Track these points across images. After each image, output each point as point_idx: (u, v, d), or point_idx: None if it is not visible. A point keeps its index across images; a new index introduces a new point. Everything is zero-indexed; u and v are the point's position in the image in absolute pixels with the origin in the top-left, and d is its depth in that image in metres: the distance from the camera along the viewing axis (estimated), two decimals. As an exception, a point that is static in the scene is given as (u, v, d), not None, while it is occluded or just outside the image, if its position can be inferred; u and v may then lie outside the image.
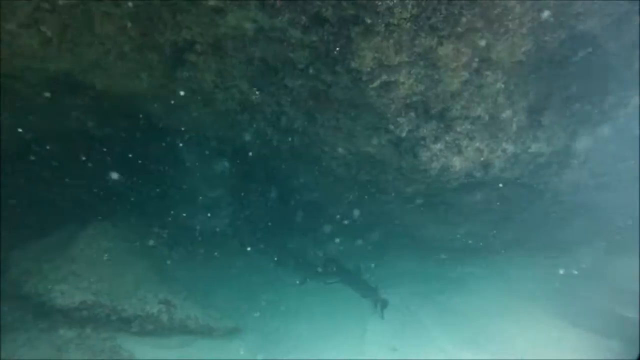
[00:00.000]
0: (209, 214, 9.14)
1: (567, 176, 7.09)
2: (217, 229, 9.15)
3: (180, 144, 8.12)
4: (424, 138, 5.40)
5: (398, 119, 5.21)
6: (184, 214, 8.96)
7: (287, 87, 5.33)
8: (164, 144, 8.14)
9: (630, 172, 8.23)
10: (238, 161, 8.39)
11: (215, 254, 8.86)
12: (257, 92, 5.69)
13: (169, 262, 8.02)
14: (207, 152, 8.41)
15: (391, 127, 5.28)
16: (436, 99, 5.05)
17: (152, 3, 4.51)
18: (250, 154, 7.73)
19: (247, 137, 7.05)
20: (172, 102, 6.18)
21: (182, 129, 7.37)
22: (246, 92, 5.83)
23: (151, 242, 8.38)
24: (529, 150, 6.01)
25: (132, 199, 8.30)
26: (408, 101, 5.07)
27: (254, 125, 6.66)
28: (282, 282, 8.67)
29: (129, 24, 4.72)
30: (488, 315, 7.87)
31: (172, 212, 8.45)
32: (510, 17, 4.58)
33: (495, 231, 7.91)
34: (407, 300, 8.20)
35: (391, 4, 4.15)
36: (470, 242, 8.11)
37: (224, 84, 5.82)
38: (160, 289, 7.17)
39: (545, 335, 7.15)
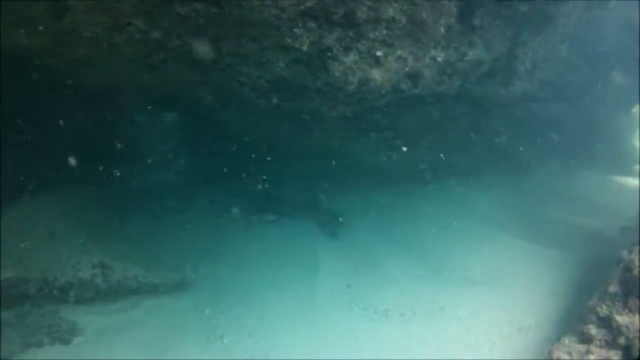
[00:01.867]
0: (148, 169, 8.88)
1: (515, 87, 6.85)
2: (159, 183, 8.92)
3: (109, 102, 7.72)
4: (330, 49, 4.96)
5: (295, 30, 4.77)
6: (123, 172, 8.68)
7: (181, 16, 4.89)
8: (92, 104, 7.72)
9: (581, 81, 8.07)
10: (167, 111, 8.04)
11: (159, 209, 8.70)
12: (155, 29, 5.29)
13: (109, 225, 7.81)
14: (134, 106, 8.02)
15: (288, 41, 4.84)
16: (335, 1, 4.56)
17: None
18: (178, 102, 7.38)
19: (168, 84, 6.66)
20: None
21: (106, 86, 6.93)
22: (144, 30, 5.40)
23: (90, 209, 8.17)
24: (466, 59, 5.69)
25: (68, 165, 7.95)
26: (302, 8, 4.62)
27: (168, 69, 6.27)
28: (230, 232, 8.55)
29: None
30: (447, 243, 7.91)
31: (112, 172, 8.15)
32: None
33: (443, 156, 7.72)
34: (362, 234, 8.20)
35: None
36: (422, 168, 7.96)
37: (119, 25, 5.38)
38: (94, 254, 7.00)
39: (502, 256, 7.24)
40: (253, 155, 7.64)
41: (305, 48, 4.90)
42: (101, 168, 7.82)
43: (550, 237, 7.48)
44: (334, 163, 7.62)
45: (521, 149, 8.36)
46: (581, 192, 8.97)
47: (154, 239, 8.11)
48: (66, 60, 6.05)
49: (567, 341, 4.62)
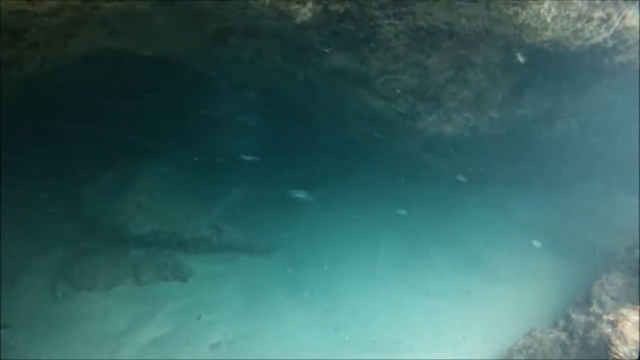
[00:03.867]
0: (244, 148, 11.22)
1: (558, 126, 8.81)
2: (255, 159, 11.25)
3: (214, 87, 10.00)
4: (419, 113, 7.14)
5: (399, 101, 6.92)
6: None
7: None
8: (200, 92, 10.05)
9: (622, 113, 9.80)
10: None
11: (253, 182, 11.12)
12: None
13: (214, 191, 10.27)
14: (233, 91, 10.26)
15: (393, 106, 7.01)
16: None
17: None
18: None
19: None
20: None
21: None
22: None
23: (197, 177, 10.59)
24: (514, 114, 7.73)
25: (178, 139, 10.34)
26: (404, 87, 6.69)
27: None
28: (309, 209, 10.89)
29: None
30: (481, 241, 10.09)
31: (213, 147, 10.48)
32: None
33: (491, 168, 9.80)
34: (415, 224, 10.46)
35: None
36: (470, 171, 10.02)
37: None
38: (209, 217, 9.56)
39: (524, 261, 9.42)
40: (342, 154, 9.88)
41: (403, 111, 7.12)
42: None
43: (572, 252, 9.55)
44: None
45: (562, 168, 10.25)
46: (614, 215, 10.80)
47: (248, 209, 10.60)
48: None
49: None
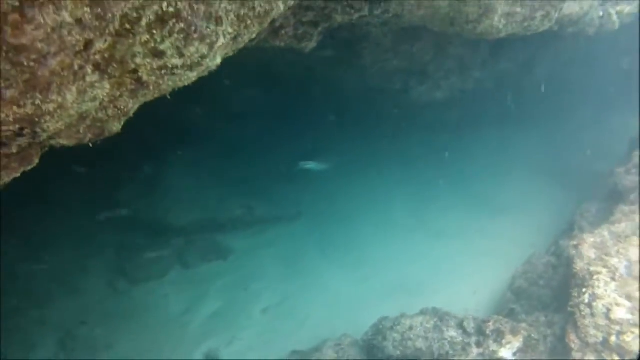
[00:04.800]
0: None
1: (538, 71, 9.88)
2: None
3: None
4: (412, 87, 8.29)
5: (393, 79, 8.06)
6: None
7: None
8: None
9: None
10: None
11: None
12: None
13: (242, 177, 11.48)
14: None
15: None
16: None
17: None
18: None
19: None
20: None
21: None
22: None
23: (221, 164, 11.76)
24: (497, 69, 8.82)
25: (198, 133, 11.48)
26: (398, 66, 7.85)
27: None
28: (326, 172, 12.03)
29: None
30: (488, 180, 11.32)
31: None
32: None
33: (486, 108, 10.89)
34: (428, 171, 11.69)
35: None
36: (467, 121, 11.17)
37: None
38: (241, 198, 10.85)
39: (524, 193, 10.64)
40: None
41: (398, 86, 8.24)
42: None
43: (567, 179, 10.70)
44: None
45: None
46: (606, 139, 11.78)
47: (269, 183, 11.88)
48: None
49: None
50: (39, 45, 1.90)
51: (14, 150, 2.64)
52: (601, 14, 7.02)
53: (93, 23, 2.08)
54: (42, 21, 1.84)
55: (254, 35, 3.45)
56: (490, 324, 6.05)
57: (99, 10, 2.07)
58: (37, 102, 2.17)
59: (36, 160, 2.93)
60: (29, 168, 2.95)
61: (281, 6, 3.30)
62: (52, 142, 2.82)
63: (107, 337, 8.97)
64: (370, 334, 6.92)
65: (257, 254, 10.49)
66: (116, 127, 2.86)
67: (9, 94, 2.01)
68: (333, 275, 9.69)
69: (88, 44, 2.16)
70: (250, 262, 10.36)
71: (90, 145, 3.00)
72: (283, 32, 4.44)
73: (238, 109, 11.65)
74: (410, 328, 6.40)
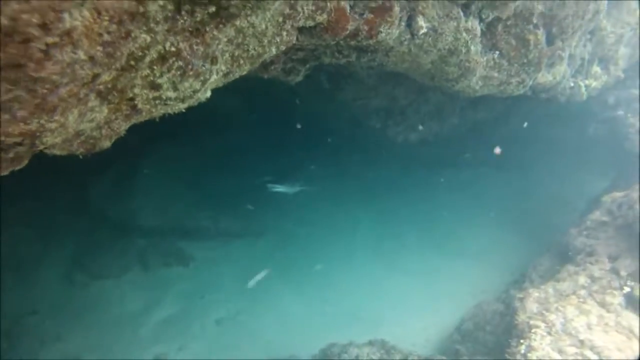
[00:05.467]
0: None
1: (514, 122, 10.43)
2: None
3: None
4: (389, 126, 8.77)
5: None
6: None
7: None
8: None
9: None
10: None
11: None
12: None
13: (212, 188, 11.68)
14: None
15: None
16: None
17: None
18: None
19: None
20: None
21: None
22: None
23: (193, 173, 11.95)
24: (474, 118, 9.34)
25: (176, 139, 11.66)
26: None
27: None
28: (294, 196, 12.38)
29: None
30: (452, 222, 11.71)
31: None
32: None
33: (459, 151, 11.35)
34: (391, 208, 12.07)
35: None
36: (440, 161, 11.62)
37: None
38: (208, 209, 11.06)
39: (487, 237, 11.01)
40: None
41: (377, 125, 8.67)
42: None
43: (527, 229, 11.18)
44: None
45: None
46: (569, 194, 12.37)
47: (238, 198, 12.08)
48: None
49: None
50: (54, 77, 2.17)
51: (11, 156, 2.87)
52: (572, 84, 7.58)
53: (103, 60, 2.36)
54: (60, 58, 2.11)
55: (244, 73, 3.76)
56: (433, 362, 6.39)
57: (110, 49, 2.35)
58: (42, 121, 2.43)
59: (25, 162, 3.16)
60: (18, 168, 3.18)
61: (274, 50, 3.61)
62: (46, 150, 3.06)
63: (56, 329, 9.05)
64: (318, 357, 7.18)
65: (217, 265, 10.72)
66: (107, 144, 3.11)
67: (19, 114, 2.27)
68: (289, 296, 9.94)
69: (95, 77, 2.43)
70: (210, 272, 10.58)
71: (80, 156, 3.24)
72: (272, 67, 4.75)
73: (218, 120, 11.89)
74: (357, 357, 6.68)
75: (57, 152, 3.08)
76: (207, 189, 11.62)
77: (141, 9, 2.32)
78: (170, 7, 2.56)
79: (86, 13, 2.05)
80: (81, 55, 2.20)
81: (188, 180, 11.59)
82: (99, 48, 2.28)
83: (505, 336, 6.73)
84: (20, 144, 2.72)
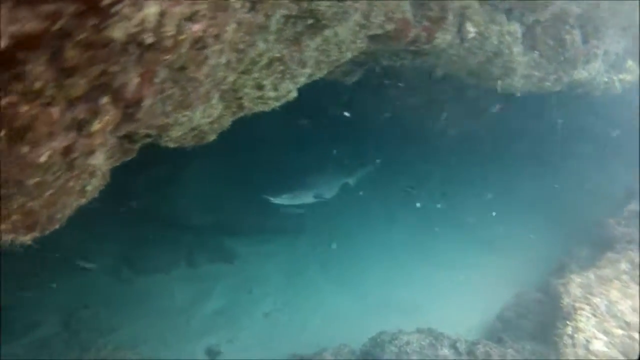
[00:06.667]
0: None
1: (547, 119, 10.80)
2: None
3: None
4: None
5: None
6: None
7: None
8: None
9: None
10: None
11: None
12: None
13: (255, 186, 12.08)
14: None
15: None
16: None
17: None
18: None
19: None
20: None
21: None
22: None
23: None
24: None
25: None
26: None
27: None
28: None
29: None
30: (488, 213, 11.99)
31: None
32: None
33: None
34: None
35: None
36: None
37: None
38: (253, 206, 11.50)
39: (523, 230, 11.22)
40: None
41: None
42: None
43: (560, 219, 11.45)
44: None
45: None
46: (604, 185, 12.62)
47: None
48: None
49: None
50: (202, 77, 2.66)
51: (135, 147, 3.37)
52: (606, 79, 7.98)
53: (234, 65, 2.85)
54: (211, 62, 2.60)
55: (322, 75, 4.24)
56: (480, 346, 6.78)
57: (241, 55, 2.84)
58: (179, 116, 2.91)
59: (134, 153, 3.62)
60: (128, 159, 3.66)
61: (349, 55, 4.10)
62: (161, 142, 3.54)
63: (110, 321, 9.48)
64: (368, 345, 7.61)
65: (262, 261, 11.13)
66: (212, 137, 3.60)
67: (168, 109, 2.76)
68: (332, 290, 10.36)
69: (224, 78, 2.92)
70: (255, 268, 10.98)
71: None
72: (336, 69, 5.23)
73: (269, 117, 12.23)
74: (407, 343, 7.10)
75: (170, 144, 3.57)
76: (250, 187, 12.04)
77: (266, 23, 2.80)
78: (282, 20, 3.05)
79: (233, 25, 2.53)
80: (223, 59, 2.68)
81: (234, 178, 12.01)
82: (234, 54, 2.77)
83: (547, 324, 7.11)
84: (149, 136, 3.21)
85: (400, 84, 8.10)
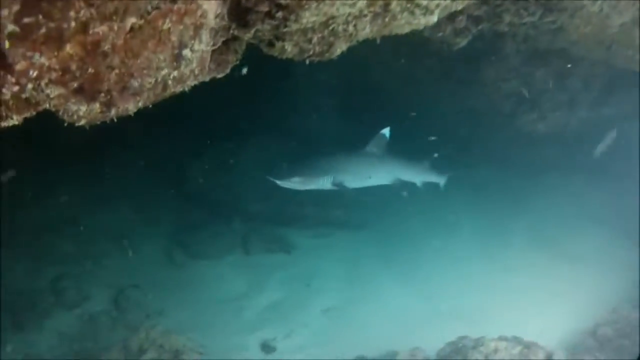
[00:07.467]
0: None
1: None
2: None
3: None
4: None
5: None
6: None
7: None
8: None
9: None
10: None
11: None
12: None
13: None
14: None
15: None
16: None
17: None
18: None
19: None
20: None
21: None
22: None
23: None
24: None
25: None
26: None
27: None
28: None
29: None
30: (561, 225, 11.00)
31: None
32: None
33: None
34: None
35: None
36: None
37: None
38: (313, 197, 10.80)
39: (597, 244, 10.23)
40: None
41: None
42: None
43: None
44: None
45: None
46: None
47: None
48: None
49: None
50: None
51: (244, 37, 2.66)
52: None
53: None
54: None
55: (460, 7, 3.48)
56: (584, 362, 5.84)
57: None
58: None
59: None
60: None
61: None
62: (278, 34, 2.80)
63: (159, 304, 8.98)
64: (447, 350, 6.75)
65: (321, 254, 10.45)
66: (342, 47, 2.89)
67: None
68: (395, 290, 9.54)
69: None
70: (313, 261, 10.30)
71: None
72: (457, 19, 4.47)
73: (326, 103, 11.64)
74: (495, 351, 6.22)
75: (289, 47, 2.83)
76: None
77: None
78: None
79: None
80: None
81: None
82: None
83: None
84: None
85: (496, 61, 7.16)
